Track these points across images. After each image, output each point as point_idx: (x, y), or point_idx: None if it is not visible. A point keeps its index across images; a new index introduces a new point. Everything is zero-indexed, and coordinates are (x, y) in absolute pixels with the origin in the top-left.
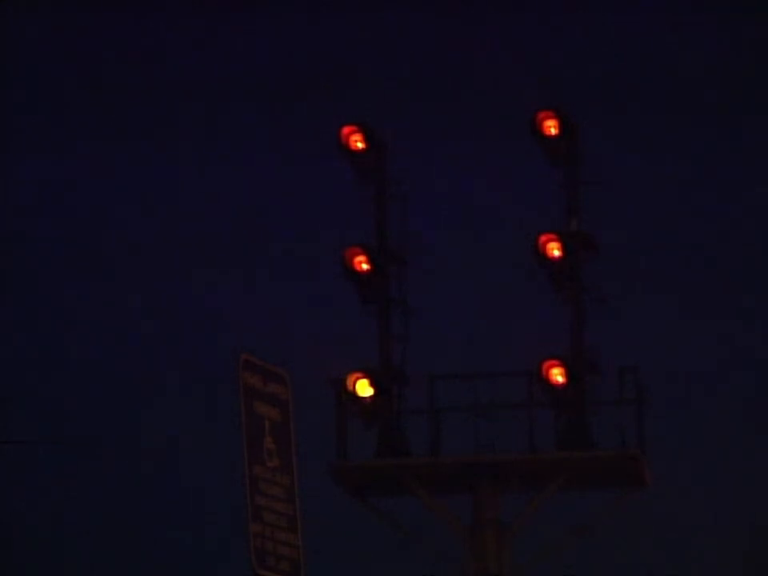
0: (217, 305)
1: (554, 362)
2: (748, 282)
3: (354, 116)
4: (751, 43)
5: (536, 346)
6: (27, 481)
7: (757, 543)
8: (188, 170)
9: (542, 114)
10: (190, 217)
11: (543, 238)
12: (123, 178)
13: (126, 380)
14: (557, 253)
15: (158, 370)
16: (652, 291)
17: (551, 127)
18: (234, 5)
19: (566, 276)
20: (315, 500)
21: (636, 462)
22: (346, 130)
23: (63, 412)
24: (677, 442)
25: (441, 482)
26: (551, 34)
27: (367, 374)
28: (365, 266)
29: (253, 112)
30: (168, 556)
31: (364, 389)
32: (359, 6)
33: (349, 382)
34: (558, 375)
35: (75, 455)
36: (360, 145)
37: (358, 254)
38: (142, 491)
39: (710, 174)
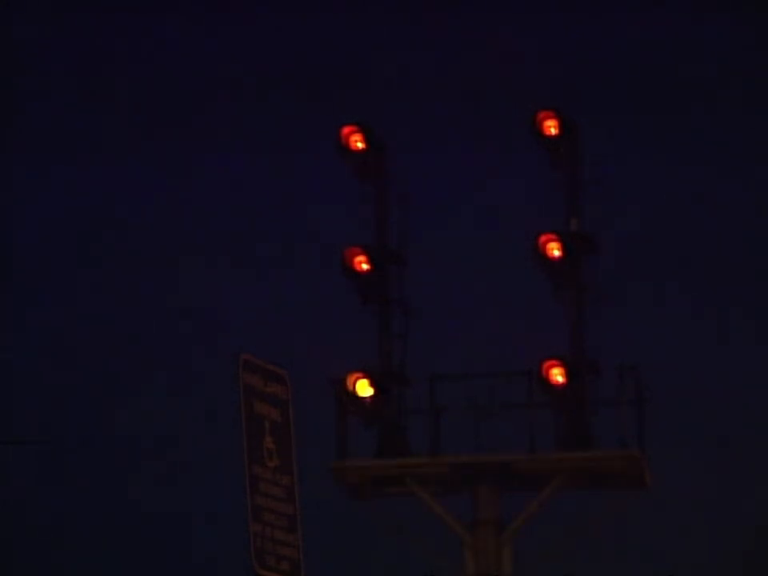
0: (217, 305)
1: (553, 362)
2: (749, 282)
3: (354, 116)
4: (752, 43)
5: (536, 345)
6: (26, 481)
7: (756, 543)
8: (187, 169)
9: (541, 114)
10: (188, 217)
11: (543, 238)
12: (123, 177)
13: (125, 380)
14: (557, 253)
15: (159, 371)
16: (652, 291)
17: (551, 127)
18: (234, 5)
19: (566, 276)
20: (315, 500)
21: (636, 462)
22: (345, 130)
23: (61, 412)
24: (677, 441)
25: (441, 482)
26: (551, 34)
27: (367, 374)
28: (365, 266)
29: (253, 112)
30: (167, 556)
31: (364, 389)
32: (359, 7)
33: (349, 382)
34: (557, 375)
35: (73, 455)
36: (360, 145)
37: (357, 254)
38: (141, 491)
39: (710, 174)
